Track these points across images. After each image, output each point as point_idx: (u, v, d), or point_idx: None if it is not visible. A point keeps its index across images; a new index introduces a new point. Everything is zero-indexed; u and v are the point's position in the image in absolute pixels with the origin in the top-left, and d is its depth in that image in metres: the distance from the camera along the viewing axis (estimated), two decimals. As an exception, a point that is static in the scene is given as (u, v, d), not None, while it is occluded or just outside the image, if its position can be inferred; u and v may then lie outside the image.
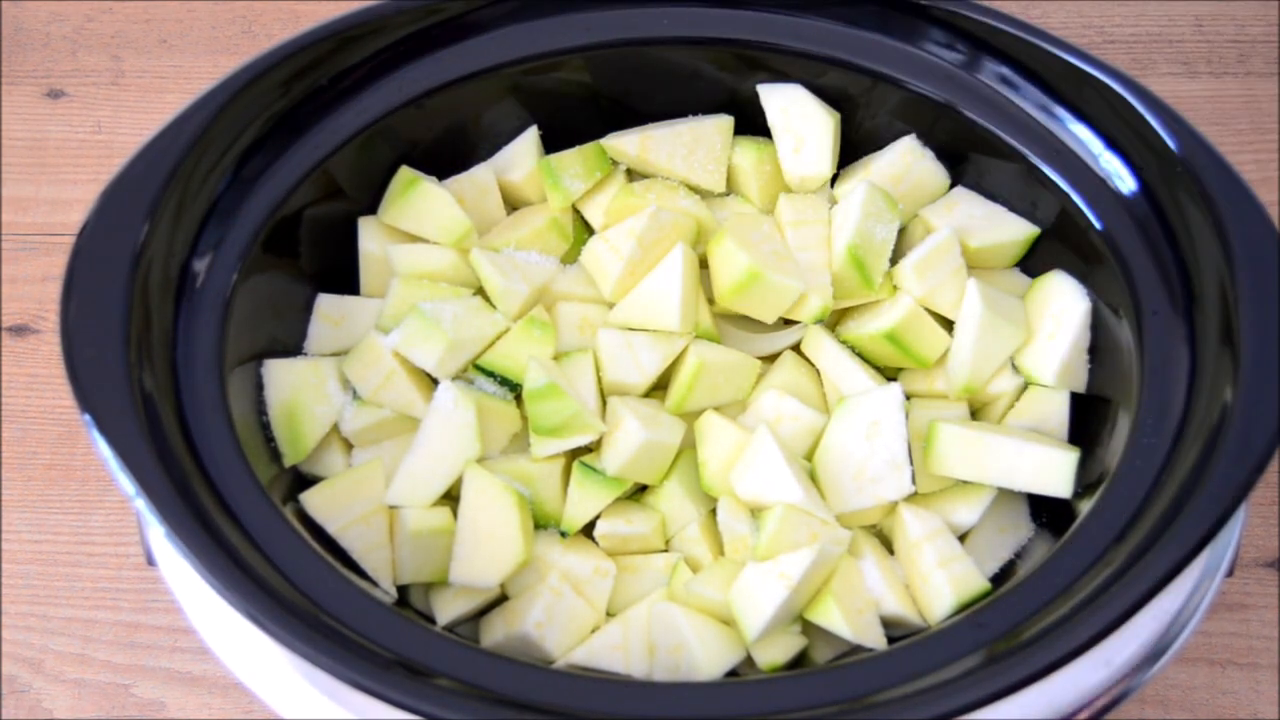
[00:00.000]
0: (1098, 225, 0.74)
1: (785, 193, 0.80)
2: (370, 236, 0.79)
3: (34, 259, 0.98)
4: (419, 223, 0.79)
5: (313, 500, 0.71)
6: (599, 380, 0.76)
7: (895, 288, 0.78)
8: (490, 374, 0.75)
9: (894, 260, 0.78)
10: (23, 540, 0.87)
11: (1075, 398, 0.75)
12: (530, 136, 0.82)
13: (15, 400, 0.92)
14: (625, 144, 0.80)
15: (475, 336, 0.75)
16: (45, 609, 0.85)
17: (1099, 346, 0.75)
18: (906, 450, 0.72)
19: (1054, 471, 0.71)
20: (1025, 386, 0.76)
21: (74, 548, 0.87)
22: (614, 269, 0.77)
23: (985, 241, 0.78)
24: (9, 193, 1.00)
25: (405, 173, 0.79)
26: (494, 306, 0.77)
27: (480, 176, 0.81)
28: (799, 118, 0.80)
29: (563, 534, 0.73)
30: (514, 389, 0.75)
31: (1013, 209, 0.79)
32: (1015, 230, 0.78)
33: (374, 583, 0.70)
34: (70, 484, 0.89)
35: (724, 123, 0.81)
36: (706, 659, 0.68)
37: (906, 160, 0.80)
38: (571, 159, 0.80)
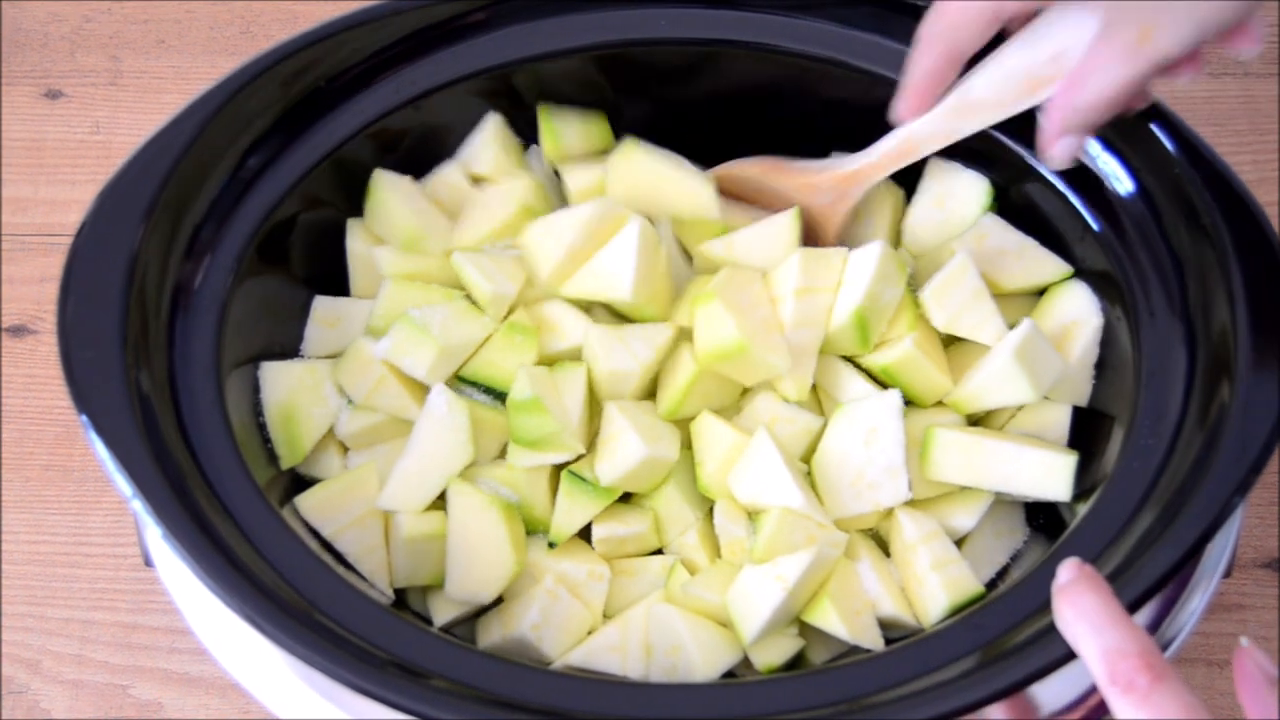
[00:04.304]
0: (1095, 227, 0.74)
1: (803, 249, 0.75)
2: (357, 238, 0.78)
3: (32, 259, 0.98)
4: (382, 225, 0.78)
5: (308, 503, 0.71)
6: (589, 390, 0.74)
7: (921, 317, 0.75)
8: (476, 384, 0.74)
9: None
10: (20, 541, 0.87)
11: (1075, 410, 0.74)
12: (490, 125, 0.80)
13: (13, 401, 0.92)
14: (714, 249, 0.77)
15: (465, 341, 0.74)
16: (43, 609, 0.85)
17: (1104, 361, 0.74)
18: (904, 457, 0.71)
19: (1053, 475, 0.70)
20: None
21: (71, 548, 0.87)
22: (554, 254, 0.74)
23: (1018, 285, 0.76)
24: (7, 193, 1.00)
25: (375, 175, 0.78)
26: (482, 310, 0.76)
27: (448, 175, 0.80)
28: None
29: (550, 545, 0.72)
30: (502, 397, 0.73)
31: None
32: (1048, 271, 0.76)
33: (371, 585, 0.70)
34: (68, 485, 0.89)
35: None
36: (703, 660, 0.68)
37: (945, 180, 0.79)
38: (572, 116, 0.80)
